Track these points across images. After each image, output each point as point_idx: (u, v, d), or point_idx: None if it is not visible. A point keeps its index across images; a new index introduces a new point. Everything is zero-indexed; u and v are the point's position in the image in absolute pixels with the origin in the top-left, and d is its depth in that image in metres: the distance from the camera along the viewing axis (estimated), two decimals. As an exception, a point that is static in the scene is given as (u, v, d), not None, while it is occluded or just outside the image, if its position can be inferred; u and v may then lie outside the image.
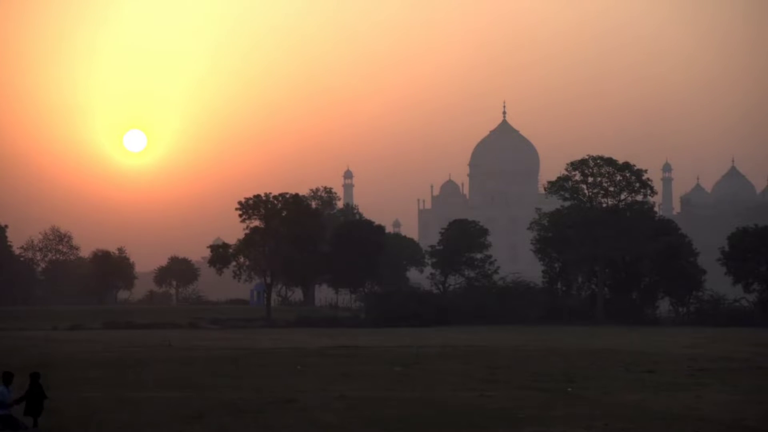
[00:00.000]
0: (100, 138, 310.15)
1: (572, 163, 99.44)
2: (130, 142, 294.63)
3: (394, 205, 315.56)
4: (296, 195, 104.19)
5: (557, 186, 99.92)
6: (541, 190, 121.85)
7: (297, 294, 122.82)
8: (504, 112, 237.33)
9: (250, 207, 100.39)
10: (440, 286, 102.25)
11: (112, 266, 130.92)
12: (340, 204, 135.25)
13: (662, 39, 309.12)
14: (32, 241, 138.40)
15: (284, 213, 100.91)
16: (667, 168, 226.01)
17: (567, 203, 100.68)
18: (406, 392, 31.93)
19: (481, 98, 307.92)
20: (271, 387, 33.17)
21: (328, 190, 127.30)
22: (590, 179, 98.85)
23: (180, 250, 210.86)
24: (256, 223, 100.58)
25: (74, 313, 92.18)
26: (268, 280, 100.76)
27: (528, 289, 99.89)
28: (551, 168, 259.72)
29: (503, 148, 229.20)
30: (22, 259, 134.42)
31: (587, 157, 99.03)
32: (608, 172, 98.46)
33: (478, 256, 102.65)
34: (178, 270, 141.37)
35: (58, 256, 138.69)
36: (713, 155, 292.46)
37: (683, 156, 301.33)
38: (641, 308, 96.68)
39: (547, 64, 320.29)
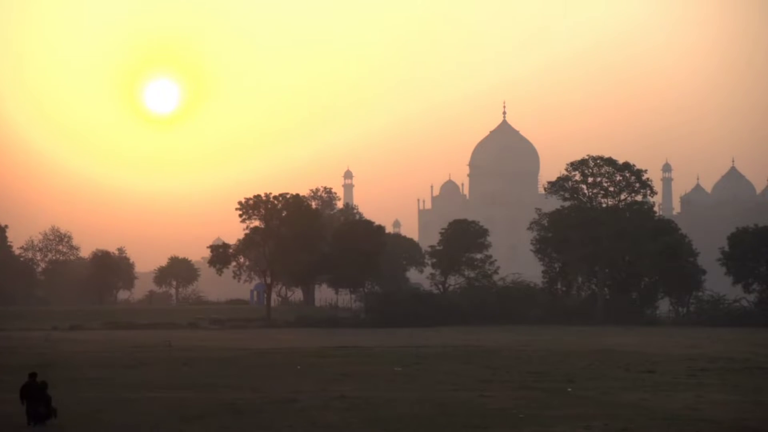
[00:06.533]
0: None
1: (572, 163, 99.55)
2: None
3: (394, 205, 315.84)
4: (296, 195, 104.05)
5: (557, 186, 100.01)
6: (541, 190, 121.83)
7: (297, 294, 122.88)
8: (504, 112, 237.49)
9: (250, 207, 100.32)
10: (440, 286, 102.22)
11: (112, 266, 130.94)
12: (340, 204, 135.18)
13: (662, 39, 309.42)
14: (32, 241, 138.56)
15: (284, 213, 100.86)
16: (667, 168, 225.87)
17: (567, 203, 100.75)
18: (406, 392, 31.91)
19: (481, 98, 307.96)
20: (271, 387, 33.16)
21: (328, 190, 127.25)
22: (590, 179, 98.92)
23: (180, 250, 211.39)
24: (256, 223, 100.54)
25: (74, 313, 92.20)
26: (268, 280, 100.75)
27: (528, 289, 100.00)
28: (551, 168, 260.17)
29: (503, 148, 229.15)
30: (22, 259, 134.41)
31: (587, 157, 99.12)
32: (608, 172, 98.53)
33: (478, 256, 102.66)
34: (178, 270, 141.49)
35: (58, 256, 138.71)
36: (713, 155, 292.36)
37: (683, 156, 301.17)
38: (641, 308, 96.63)
39: (548, 65, 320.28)
